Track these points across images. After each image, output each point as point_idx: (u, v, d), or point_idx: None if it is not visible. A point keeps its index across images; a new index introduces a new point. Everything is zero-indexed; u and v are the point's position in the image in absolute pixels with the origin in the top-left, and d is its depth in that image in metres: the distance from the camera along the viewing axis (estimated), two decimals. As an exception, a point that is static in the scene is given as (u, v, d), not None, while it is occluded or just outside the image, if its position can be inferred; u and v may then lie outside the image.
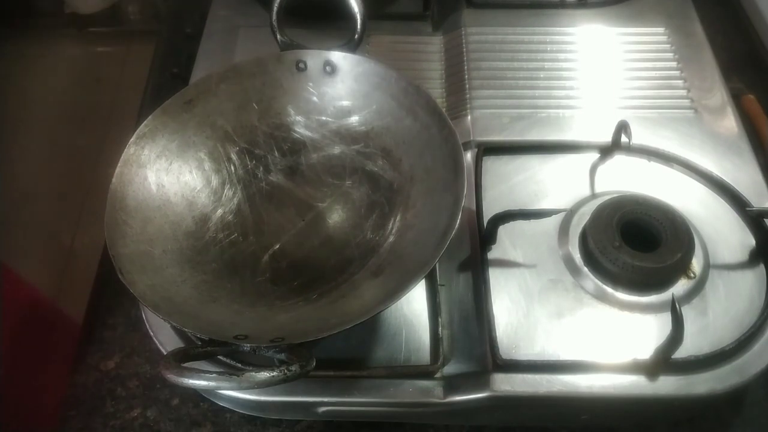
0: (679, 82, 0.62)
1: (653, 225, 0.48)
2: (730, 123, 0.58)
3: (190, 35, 0.71)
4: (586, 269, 0.48)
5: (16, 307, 0.72)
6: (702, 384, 0.43)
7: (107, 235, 0.43)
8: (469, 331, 0.47)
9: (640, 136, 0.55)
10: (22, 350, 0.70)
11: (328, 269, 0.48)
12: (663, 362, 0.43)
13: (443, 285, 0.50)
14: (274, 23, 0.54)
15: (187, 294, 0.44)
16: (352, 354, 0.47)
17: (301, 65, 0.53)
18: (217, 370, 0.44)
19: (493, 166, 0.56)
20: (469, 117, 0.59)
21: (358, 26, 0.53)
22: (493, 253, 0.50)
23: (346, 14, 0.53)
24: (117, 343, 0.53)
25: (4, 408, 0.64)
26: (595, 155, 0.56)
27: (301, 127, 0.54)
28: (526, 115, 0.59)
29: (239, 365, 0.45)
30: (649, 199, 0.50)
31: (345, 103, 0.53)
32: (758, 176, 0.54)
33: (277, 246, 0.50)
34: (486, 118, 0.59)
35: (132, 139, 0.48)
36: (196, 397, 0.51)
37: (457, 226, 0.41)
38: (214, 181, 0.51)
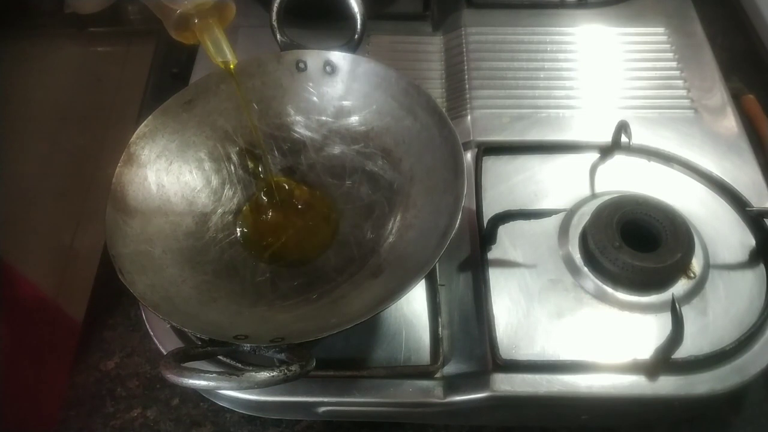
0: (679, 82, 0.62)
1: (653, 225, 0.48)
2: (730, 123, 0.58)
3: (190, 35, 0.71)
4: (586, 269, 0.48)
5: (17, 306, 0.73)
6: (702, 384, 0.43)
7: (107, 235, 0.43)
8: (469, 331, 0.47)
9: (640, 136, 0.55)
10: (22, 350, 0.71)
11: (328, 269, 0.48)
12: (663, 362, 0.43)
13: (443, 285, 0.50)
14: (274, 23, 0.54)
15: (187, 294, 0.44)
16: (352, 354, 0.47)
17: (301, 65, 0.53)
18: (217, 370, 0.44)
19: (493, 166, 0.56)
20: (469, 117, 0.59)
21: (358, 26, 0.53)
22: (493, 253, 0.50)
23: (346, 14, 0.53)
24: (117, 343, 0.53)
25: (4, 408, 0.64)
26: (595, 155, 0.56)
27: (301, 127, 0.54)
28: (526, 115, 0.59)
29: (239, 365, 0.45)
30: (649, 199, 0.50)
31: (345, 103, 0.53)
32: (758, 176, 0.54)
33: (277, 246, 0.50)
34: (486, 118, 0.59)
35: (132, 139, 0.48)
36: (196, 397, 0.51)
37: (457, 226, 0.41)
38: (214, 181, 0.51)
